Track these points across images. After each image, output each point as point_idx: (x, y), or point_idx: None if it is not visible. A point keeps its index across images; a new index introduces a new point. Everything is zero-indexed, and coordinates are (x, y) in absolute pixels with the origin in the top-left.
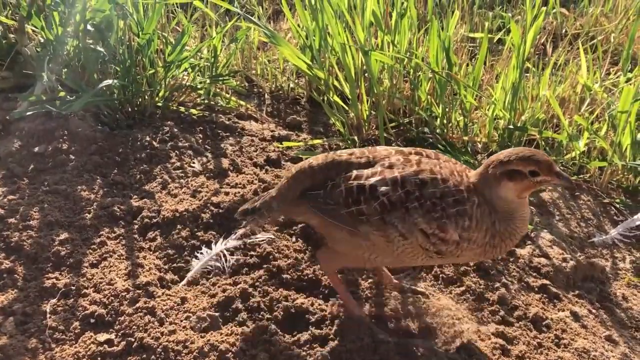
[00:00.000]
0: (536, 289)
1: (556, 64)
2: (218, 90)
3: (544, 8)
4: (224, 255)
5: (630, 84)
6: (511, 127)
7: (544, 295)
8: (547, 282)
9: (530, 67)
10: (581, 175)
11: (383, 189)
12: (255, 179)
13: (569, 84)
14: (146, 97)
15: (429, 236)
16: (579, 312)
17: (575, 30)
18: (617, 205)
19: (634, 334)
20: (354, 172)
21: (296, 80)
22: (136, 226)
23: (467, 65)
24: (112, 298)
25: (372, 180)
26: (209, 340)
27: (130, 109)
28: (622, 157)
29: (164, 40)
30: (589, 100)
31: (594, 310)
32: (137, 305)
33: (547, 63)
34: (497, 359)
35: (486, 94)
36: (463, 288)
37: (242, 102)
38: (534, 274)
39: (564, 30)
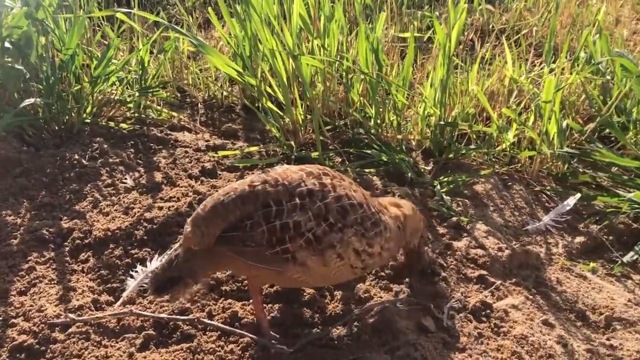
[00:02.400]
0: (474, 280)
1: (484, 59)
2: (149, 102)
3: (465, 6)
4: None
5: (553, 75)
6: (442, 123)
7: (482, 286)
8: (485, 272)
9: (459, 63)
10: (512, 166)
11: (308, 224)
12: (190, 191)
13: (496, 77)
14: (73, 114)
15: (360, 253)
16: (516, 299)
17: (502, 25)
18: (548, 192)
19: (569, 315)
20: (274, 208)
21: (229, 88)
22: (67, 248)
23: (399, 65)
24: (43, 326)
25: (295, 217)
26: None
27: (56, 127)
28: (550, 146)
29: (89, 55)
30: (516, 92)
31: (530, 297)
32: (70, 330)
33: (475, 58)
34: (440, 353)
35: (417, 92)
36: (403, 285)
37: (174, 114)
38: (472, 265)
39: (490, 26)
